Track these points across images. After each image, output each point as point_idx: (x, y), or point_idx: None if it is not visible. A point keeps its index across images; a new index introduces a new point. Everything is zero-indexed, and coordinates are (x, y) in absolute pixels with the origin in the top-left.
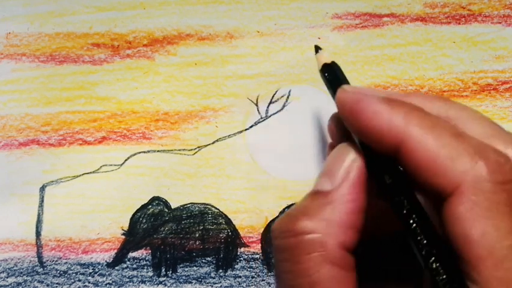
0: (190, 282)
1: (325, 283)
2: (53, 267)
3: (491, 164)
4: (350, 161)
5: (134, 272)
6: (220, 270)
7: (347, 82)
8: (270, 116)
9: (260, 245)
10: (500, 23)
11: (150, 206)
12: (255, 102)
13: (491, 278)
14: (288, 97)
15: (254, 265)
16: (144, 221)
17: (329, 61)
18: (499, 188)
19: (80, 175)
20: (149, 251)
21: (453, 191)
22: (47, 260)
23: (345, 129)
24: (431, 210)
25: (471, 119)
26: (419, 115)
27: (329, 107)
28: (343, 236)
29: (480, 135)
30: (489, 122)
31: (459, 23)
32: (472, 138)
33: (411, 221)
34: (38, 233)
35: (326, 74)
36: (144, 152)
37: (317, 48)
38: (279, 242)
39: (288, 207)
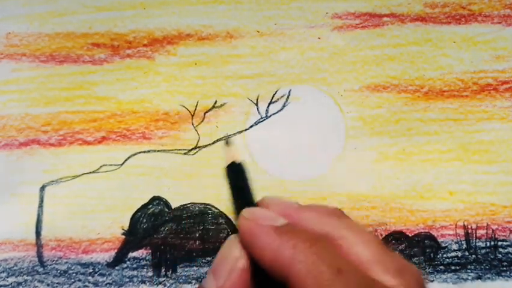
0: (190, 282)
1: None
2: (54, 267)
3: None
4: (234, 260)
5: (134, 272)
6: None
7: (248, 186)
8: (270, 116)
9: None
10: (500, 23)
11: (150, 206)
12: (255, 102)
13: None
14: (288, 97)
15: None
16: (144, 220)
17: (238, 160)
18: None
19: (80, 175)
20: (150, 251)
21: None
22: (48, 260)
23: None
24: None
25: (359, 241)
26: (305, 249)
27: (329, 107)
28: None
29: (364, 259)
30: (375, 245)
31: (459, 23)
32: (353, 274)
33: None
34: (38, 233)
35: (231, 173)
36: (144, 151)
37: (227, 141)
38: None
39: None
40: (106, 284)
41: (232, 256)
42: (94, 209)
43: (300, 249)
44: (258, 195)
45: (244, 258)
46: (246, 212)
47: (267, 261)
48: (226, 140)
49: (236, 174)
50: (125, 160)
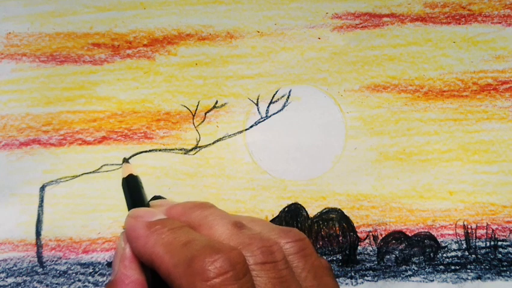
0: None
1: None
2: (53, 267)
3: (200, 265)
4: (121, 250)
5: None
6: None
7: (140, 195)
8: (270, 116)
9: None
10: (500, 23)
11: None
12: (256, 102)
13: None
14: (288, 97)
15: None
16: None
17: (133, 173)
18: (205, 285)
19: (80, 175)
20: None
21: None
22: (47, 260)
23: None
24: None
25: (216, 225)
26: (167, 236)
27: (329, 107)
28: None
29: (219, 238)
30: (230, 226)
31: (459, 23)
32: (198, 242)
33: None
34: (38, 233)
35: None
36: (145, 151)
37: (126, 160)
38: None
39: (288, 207)
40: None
41: (120, 248)
42: (95, 209)
43: (162, 236)
44: (257, 195)
45: (129, 248)
46: (131, 211)
47: (139, 250)
48: (124, 158)
49: (132, 184)
50: (127, 159)
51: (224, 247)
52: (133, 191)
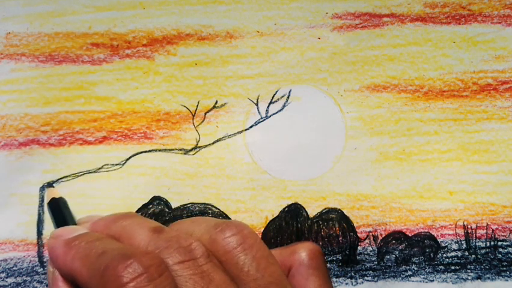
0: None
1: None
2: None
3: (113, 272)
4: (51, 274)
5: None
6: None
7: (64, 216)
8: (270, 116)
9: None
10: (500, 23)
11: (151, 206)
12: (255, 102)
13: None
14: (288, 97)
15: None
16: None
17: (56, 196)
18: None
19: (81, 174)
20: None
21: None
22: (48, 260)
23: None
24: None
25: (136, 234)
26: (83, 249)
27: (329, 107)
28: None
29: (140, 243)
30: (148, 232)
31: (459, 23)
32: (113, 251)
33: None
34: (39, 233)
35: (53, 208)
36: (145, 151)
37: (49, 185)
38: None
39: (288, 207)
40: None
41: (49, 271)
42: (95, 209)
43: (79, 250)
44: (257, 195)
45: (57, 271)
46: (52, 232)
47: (61, 268)
48: (48, 183)
49: (55, 207)
50: (127, 160)
51: (137, 252)
52: (57, 214)
